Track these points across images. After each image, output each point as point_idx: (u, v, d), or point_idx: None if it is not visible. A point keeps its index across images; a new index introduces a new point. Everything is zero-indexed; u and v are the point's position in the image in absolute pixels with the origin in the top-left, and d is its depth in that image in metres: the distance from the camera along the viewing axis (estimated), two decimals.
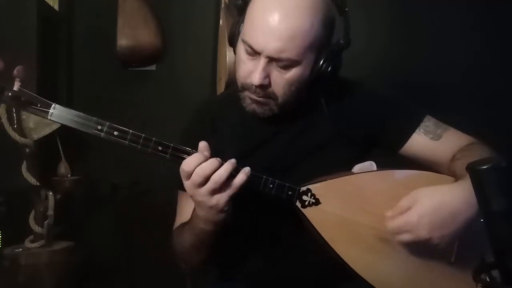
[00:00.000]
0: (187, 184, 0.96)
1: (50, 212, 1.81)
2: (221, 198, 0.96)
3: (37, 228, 1.80)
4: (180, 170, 0.96)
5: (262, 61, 1.01)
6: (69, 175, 1.98)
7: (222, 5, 2.04)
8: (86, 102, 2.19)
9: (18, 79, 0.92)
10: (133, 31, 2.13)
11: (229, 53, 1.86)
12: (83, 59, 2.29)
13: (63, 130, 1.91)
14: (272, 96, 1.06)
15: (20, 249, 1.77)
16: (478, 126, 1.13)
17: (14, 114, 1.75)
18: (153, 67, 2.30)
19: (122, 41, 2.12)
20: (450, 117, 1.17)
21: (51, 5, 2.15)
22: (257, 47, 1.01)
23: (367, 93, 1.19)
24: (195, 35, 2.29)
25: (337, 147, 1.14)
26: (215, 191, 0.95)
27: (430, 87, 2.13)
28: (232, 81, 1.86)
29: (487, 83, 2.17)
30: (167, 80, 2.29)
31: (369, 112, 1.16)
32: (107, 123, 0.94)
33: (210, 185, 0.94)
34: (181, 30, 2.29)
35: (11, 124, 1.75)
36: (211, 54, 2.26)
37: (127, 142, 0.95)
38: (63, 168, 1.98)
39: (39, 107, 0.92)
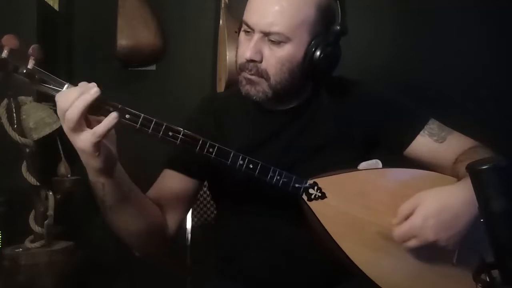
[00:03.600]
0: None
1: (50, 212, 1.81)
2: (86, 140, 0.86)
3: (37, 228, 1.80)
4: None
5: (255, 37, 1.06)
6: (69, 175, 1.98)
7: (222, 5, 2.04)
8: None
9: (33, 58, 0.92)
10: (133, 31, 2.13)
11: (229, 53, 1.86)
12: (83, 59, 2.29)
13: (63, 130, 1.91)
14: (264, 75, 1.07)
15: (20, 249, 1.77)
16: (478, 127, 1.13)
17: (14, 114, 1.75)
18: (153, 67, 2.30)
19: (122, 41, 2.12)
20: (452, 118, 1.17)
21: (51, 5, 2.15)
22: (251, 23, 1.06)
23: (369, 93, 1.19)
24: (195, 35, 2.29)
25: (339, 147, 1.15)
26: (74, 130, 0.85)
27: (431, 89, 2.13)
28: (232, 81, 1.86)
29: (488, 84, 2.17)
30: (167, 80, 2.29)
31: (372, 113, 1.17)
32: (119, 105, 0.92)
33: (65, 122, 0.86)
34: (181, 30, 2.29)
35: (11, 124, 1.75)
36: (211, 54, 2.26)
37: (138, 125, 0.93)
38: (63, 168, 1.97)
39: (52, 86, 0.92)
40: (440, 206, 0.98)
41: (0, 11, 1.86)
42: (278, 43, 1.05)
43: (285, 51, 1.06)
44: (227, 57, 1.86)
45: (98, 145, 0.87)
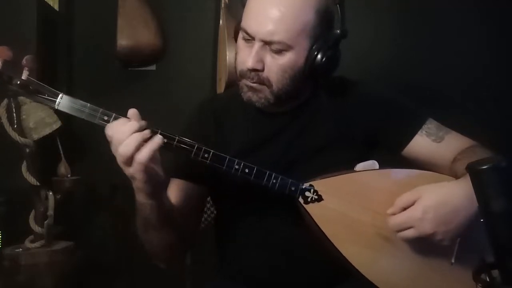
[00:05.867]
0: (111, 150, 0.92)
1: (50, 212, 1.82)
2: (136, 169, 0.90)
3: (37, 228, 1.80)
4: (106, 134, 0.92)
5: (256, 45, 1.04)
6: (69, 175, 1.98)
7: (222, 5, 2.04)
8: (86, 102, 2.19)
9: (27, 69, 0.93)
10: (133, 31, 2.13)
11: (229, 53, 1.86)
12: (83, 59, 2.29)
13: (63, 130, 1.91)
14: (266, 83, 1.07)
15: (20, 249, 1.77)
16: (478, 127, 1.13)
17: (14, 114, 1.76)
18: (153, 67, 2.30)
19: (122, 41, 2.12)
20: (452, 118, 1.17)
21: (51, 5, 2.15)
22: (251, 31, 1.04)
23: (369, 93, 1.19)
24: (195, 35, 2.29)
25: (338, 147, 1.15)
26: (127, 162, 0.90)
27: (431, 89, 2.13)
28: (232, 81, 1.86)
29: (488, 84, 2.17)
30: (167, 80, 2.29)
31: (371, 113, 1.16)
32: (113, 114, 0.94)
33: (118, 156, 0.90)
34: (181, 30, 2.29)
35: (11, 124, 1.75)
36: (211, 54, 2.26)
37: None
38: (63, 168, 1.98)
39: (47, 96, 0.93)
40: (440, 200, 0.98)
41: (0, 11, 1.87)
42: (279, 51, 1.04)
43: (287, 58, 1.05)
44: (227, 57, 1.86)
45: (145, 171, 0.91)
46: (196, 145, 0.98)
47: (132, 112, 0.93)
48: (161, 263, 1.15)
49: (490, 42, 2.17)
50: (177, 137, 0.97)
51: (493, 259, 0.69)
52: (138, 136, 0.89)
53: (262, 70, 1.06)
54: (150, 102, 2.23)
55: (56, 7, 2.19)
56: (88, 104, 0.94)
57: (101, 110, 0.94)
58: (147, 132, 0.91)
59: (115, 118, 0.93)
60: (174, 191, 1.14)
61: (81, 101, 0.94)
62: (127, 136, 0.89)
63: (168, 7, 2.27)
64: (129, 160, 0.90)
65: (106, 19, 2.17)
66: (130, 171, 0.91)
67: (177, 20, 2.28)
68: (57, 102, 0.93)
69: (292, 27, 1.03)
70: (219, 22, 2.09)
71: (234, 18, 1.97)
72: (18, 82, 0.91)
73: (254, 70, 1.05)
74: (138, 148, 0.89)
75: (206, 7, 2.27)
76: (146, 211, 0.99)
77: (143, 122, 0.92)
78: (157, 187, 0.96)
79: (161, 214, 1.00)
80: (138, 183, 0.93)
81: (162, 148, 0.93)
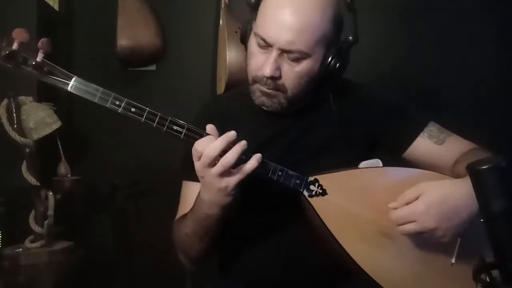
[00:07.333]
0: (197, 164, 0.96)
1: (50, 212, 1.81)
2: (231, 181, 0.95)
3: (37, 228, 1.80)
4: (193, 150, 0.96)
5: (274, 53, 1.04)
6: (69, 175, 1.98)
7: (222, 5, 2.04)
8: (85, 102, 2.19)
9: (42, 51, 0.94)
10: (133, 31, 2.13)
11: (229, 53, 1.86)
12: (83, 59, 2.29)
13: (63, 130, 1.91)
14: (282, 89, 1.08)
15: (20, 249, 1.77)
16: (479, 127, 1.13)
17: (14, 114, 1.76)
18: (153, 67, 2.30)
19: (122, 41, 2.11)
20: (453, 119, 1.18)
21: (51, 5, 2.15)
22: (269, 39, 1.04)
23: (371, 95, 1.20)
24: (195, 35, 2.29)
25: (341, 148, 1.15)
26: (224, 174, 0.94)
27: (432, 90, 2.13)
28: (232, 81, 1.86)
29: (488, 84, 2.17)
30: (167, 80, 2.29)
31: (373, 114, 1.17)
32: (125, 99, 0.96)
33: (218, 167, 0.93)
34: (181, 30, 2.29)
35: (11, 124, 1.75)
36: (211, 54, 2.26)
37: (143, 119, 0.97)
38: (63, 168, 1.97)
39: (60, 78, 0.94)
40: (443, 196, 0.99)
41: (0, 11, 1.86)
42: (297, 59, 1.05)
43: (304, 66, 1.06)
44: (227, 57, 1.86)
45: (239, 184, 0.95)
46: (205, 133, 0.99)
47: (210, 127, 0.97)
48: (190, 264, 1.17)
49: (491, 43, 2.17)
50: (186, 125, 0.98)
51: (493, 259, 0.69)
52: (239, 149, 0.94)
53: (280, 77, 1.06)
54: (150, 102, 2.21)
55: (56, 7, 2.19)
56: (101, 88, 0.96)
57: (113, 94, 0.96)
58: (244, 144, 0.96)
59: (127, 103, 0.97)
60: (189, 194, 1.15)
61: (93, 85, 0.96)
62: (218, 151, 0.93)
63: (168, 7, 2.27)
64: (227, 171, 0.93)
65: (106, 19, 2.17)
66: (224, 182, 0.95)
67: (177, 20, 2.28)
68: (70, 85, 0.96)
69: (311, 37, 1.03)
70: (219, 22, 2.09)
71: (234, 18, 1.97)
72: (33, 63, 0.93)
73: (271, 78, 1.05)
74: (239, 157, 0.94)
75: (206, 7, 2.27)
76: (208, 224, 1.02)
77: (231, 133, 0.96)
78: (235, 201, 0.99)
79: (222, 224, 1.03)
80: (225, 196, 0.96)
81: (171, 135, 0.97)
